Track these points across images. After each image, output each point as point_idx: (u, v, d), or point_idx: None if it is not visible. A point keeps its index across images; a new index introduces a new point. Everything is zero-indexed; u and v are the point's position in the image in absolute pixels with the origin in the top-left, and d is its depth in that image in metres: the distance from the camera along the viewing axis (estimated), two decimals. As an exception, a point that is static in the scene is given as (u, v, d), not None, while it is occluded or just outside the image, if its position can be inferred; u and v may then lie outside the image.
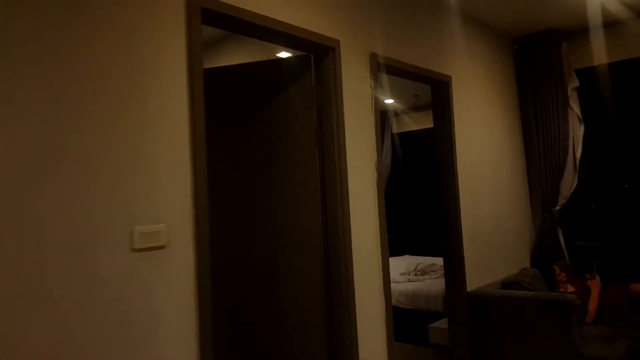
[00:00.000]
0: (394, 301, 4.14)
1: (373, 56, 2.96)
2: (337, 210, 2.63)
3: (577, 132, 4.46)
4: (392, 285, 3.73)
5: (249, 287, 2.76)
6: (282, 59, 2.83)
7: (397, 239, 6.04)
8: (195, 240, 1.95)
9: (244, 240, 2.79)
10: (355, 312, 2.62)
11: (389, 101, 6.12)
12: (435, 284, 4.70)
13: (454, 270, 3.60)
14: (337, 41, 2.70)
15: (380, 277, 2.86)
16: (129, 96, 1.79)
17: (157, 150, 1.86)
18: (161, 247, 1.84)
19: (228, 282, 2.77)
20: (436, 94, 3.68)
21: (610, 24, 4.30)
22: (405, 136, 6.66)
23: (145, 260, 1.79)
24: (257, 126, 2.78)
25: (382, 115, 6.50)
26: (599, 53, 4.42)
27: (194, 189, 1.96)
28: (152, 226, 1.81)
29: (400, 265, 5.42)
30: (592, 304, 3.70)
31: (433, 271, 5.20)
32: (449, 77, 3.63)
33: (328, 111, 2.67)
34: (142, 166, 1.80)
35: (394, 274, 4.61)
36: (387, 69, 3.11)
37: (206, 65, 2.31)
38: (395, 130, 6.70)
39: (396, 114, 6.64)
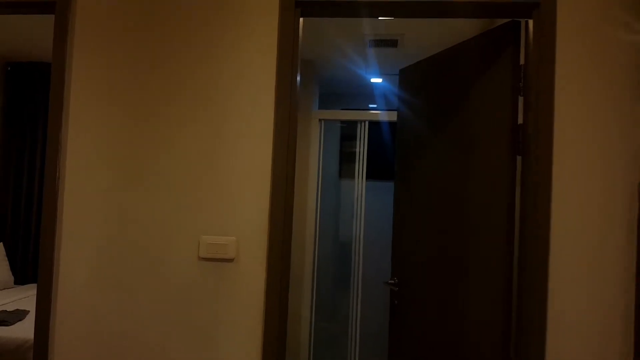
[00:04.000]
0: None
1: (652, -2, 1.70)
2: (530, 263, 1.72)
3: None
4: None
5: (430, 302, 2.21)
6: (470, 39, 2.06)
7: None
8: (268, 259, 1.80)
9: (427, 257, 2.25)
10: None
11: None
12: None
13: None
14: (549, -8, 1.74)
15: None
16: (206, 96, 1.85)
17: (235, 162, 1.83)
18: (229, 260, 1.82)
19: (411, 294, 2.32)
20: None
21: None
22: None
23: (211, 269, 1.82)
24: (452, 126, 2.17)
25: None
26: None
27: (272, 207, 1.80)
28: (219, 237, 1.82)
29: None
30: None
31: None
32: None
33: (532, 99, 1.77)
34: (216, 178, 1.84)
35: None
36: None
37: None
38: None
39: None
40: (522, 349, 1.70)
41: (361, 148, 3.95)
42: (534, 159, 1.71)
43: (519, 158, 1.84)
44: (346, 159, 4.68)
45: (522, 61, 1.85)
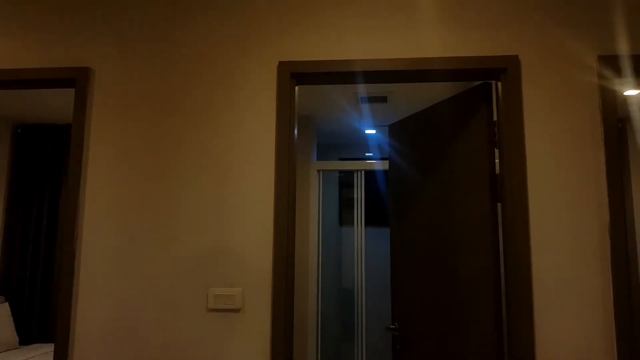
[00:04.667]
0: None
1: (606, 60, 1.93)
2: (514, 309, 1.86)
3: None
4: None
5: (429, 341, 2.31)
6: (449, 98, 2.28)
7: None
8: (273, 308, 1.94)
9: (425, 300, 2.38)
10: None
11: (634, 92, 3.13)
12: None
13: None
14: (514, 58, 1.96)
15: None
16: (214, 156, 2.05)
17: (239, 217, 2.01)
18: (235, 310, 1.96)
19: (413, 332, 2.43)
20: None
21: None
22: None
23: (219, 320, 1.96)
24: (438, 176, 2.35)
25: None
26: None
27: (275, 258, 1.97)
28: (226, 289, 1.97)
29: None
30: None
31: None
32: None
33: (505, 151, 1.96)
34: (222, 234, 2.00)
35: None
36: (651, 71, 1.92)
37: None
38: None
39: None
40: (513, 385, 1.81)
41: (359, 196, 4.13)
42: (512, 206, 1.89)
43: (499, 205, 2.01)
44: (345, 206, 4.87)
45: (495, 117, 2.05)
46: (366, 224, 4.11)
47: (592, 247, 1.86)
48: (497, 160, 2.04)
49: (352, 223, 4.17)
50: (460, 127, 2.22)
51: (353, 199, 4.19)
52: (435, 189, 2.37)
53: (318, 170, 4.10)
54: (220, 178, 2.03)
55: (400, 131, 2.70)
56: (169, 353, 1.95)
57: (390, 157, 2.82)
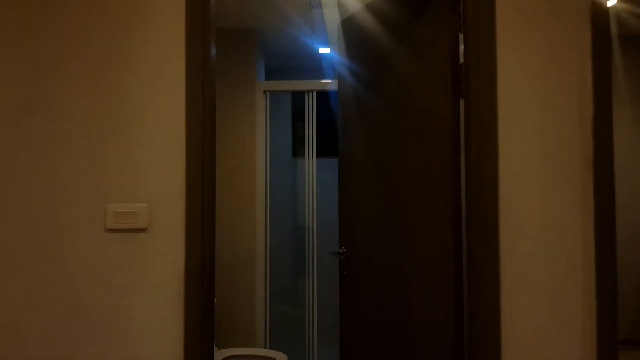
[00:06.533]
0: None
1: None
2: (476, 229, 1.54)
3: None
4: None
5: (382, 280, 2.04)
6: None
7: None
8: (187, 226, 1.58)
9: (372, 222, 2.07)
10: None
11: None
12: None
13: None
14: None
15: None
16: (113, 51, 1.61)
17: (143, 123, 1.60)
18: (140, 230, 1.59)
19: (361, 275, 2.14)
20: None
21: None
22: None
23: (120, 241, 1.59)
24: (392, 80, 1.98)
25: None
26: None
27: (188, 168, 1.58)
28: (128, 205, 1.58)
29: None
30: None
31: None
32: None
33: (471, 35, 1.59)
34: (122, 139, 1.59)
35: None
36: None
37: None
38: None
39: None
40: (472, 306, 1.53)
41: (310, 122, 3.74)
42: (477, 103, 1.54)
43: (462, 101, 1.66)
44: (300, 138, 4.48)
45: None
46: (320, 154, 3.74)
47: (570, 147, 1.55)
48: (462, 47, 1.67)
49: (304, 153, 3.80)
50: (419, 10, 1.83)
51: (304, 125, 3.80)
52: (388, 91, 2.01)
53: (264, 92, 3.67)
54: (116, 82, 1.60)
55: (353, 27, 2.29)
56: (56, 285, 1.57)
57: (341, 62, 2.42)
